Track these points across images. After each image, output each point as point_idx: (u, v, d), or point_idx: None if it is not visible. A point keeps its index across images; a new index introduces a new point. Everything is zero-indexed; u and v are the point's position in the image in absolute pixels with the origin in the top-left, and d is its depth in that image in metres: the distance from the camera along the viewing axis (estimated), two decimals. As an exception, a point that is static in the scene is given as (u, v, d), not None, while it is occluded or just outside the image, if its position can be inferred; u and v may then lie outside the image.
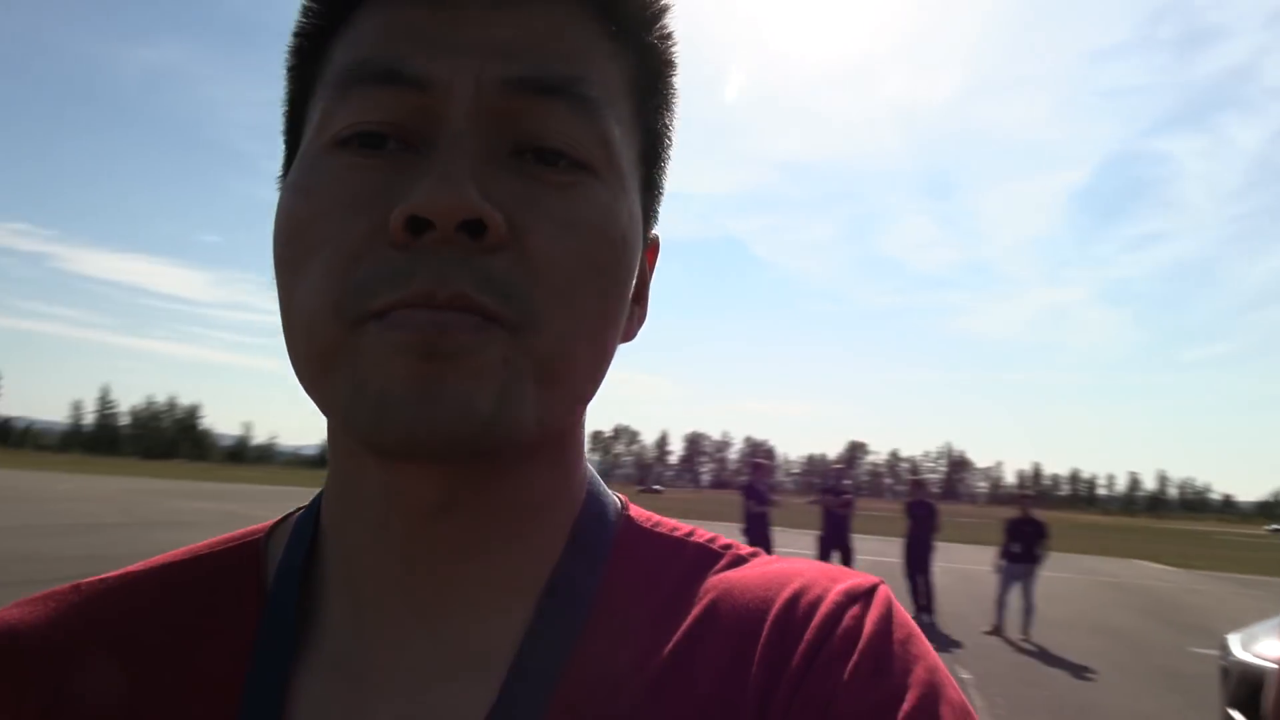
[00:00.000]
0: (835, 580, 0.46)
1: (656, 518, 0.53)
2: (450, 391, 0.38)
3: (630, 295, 0.46)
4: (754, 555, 0.50)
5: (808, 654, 0.43)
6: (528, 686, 0.44)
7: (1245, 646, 4.78)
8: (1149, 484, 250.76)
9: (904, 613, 0.46)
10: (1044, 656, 8.98)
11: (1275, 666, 4.22)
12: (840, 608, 0.45)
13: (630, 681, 0.44)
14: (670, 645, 0.45)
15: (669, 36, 0.48)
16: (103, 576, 0.52)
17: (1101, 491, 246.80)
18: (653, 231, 0.51)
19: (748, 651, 0.44)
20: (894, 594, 0.48)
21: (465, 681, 0.45)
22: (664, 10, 0.48)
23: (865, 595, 0.46)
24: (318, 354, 0.40)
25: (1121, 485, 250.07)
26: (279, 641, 0.46)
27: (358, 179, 0.41)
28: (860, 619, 0.44)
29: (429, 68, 0.41)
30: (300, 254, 0.41)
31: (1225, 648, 5.09)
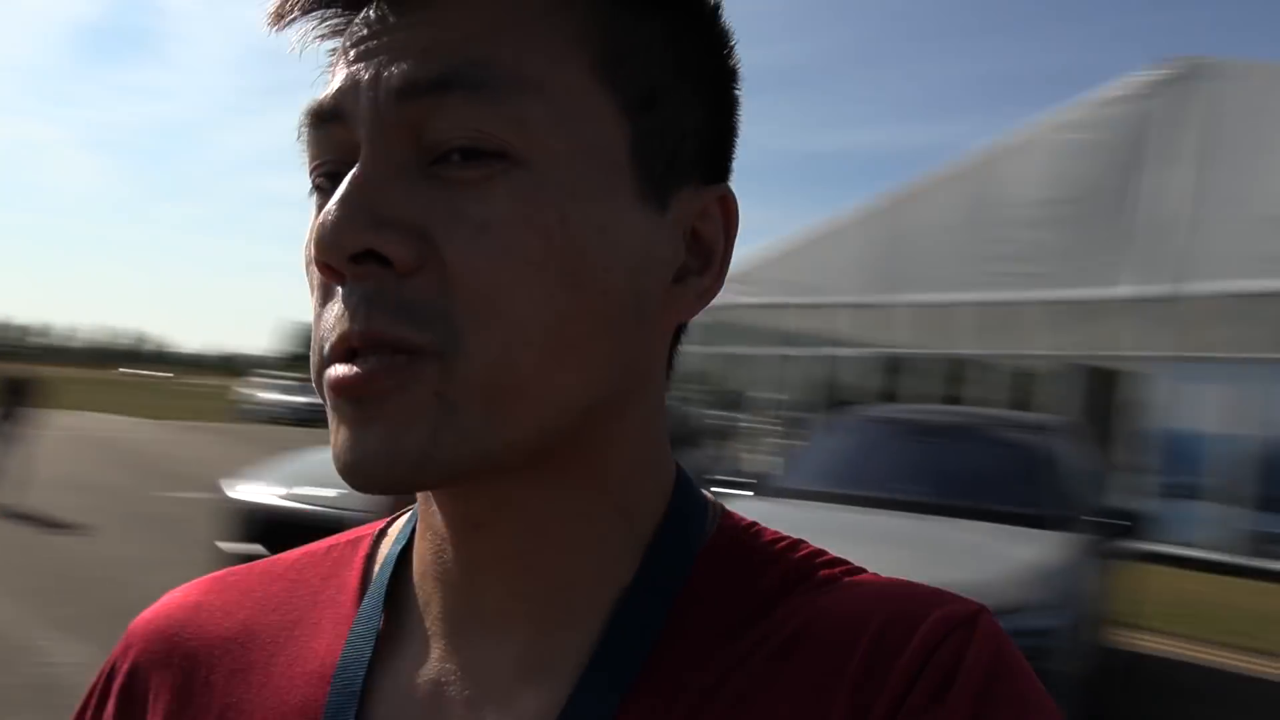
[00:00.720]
0: (934, 606, 0.43)
1: (758, 527, 0.50)
2: (371, 441, 0.38)
3: (610, 276, 0.41)
4: (854, 573, 0.47)
5: (894, 694, 0.40)
6: (591, 703, 0.42)
7: (239, 488, 5.81)
8: (110, 336, 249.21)
9: (1012, 647, 0.42)
10: (35, 519, 8.85)
11: (265, 502, 5.36)
12: (935, 640, 0.41)
13: (698, 706, 0.42)
14: (746, 670, 0.43)
15: None
16: (250, 565, 0.55)
17: (65, 342, 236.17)
18: (717, 185, 0.46)
19: (830, 685, 0.41)
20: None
21: (530, 695, 0.44)
22: None
23: (966, 624, 0.42)
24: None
25: (89, 336, 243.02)
26: (365, 638, 0.47)
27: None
28: (959, 654, 0.41)
29: (339, 98, 0.40)
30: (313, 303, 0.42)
31: (219, 489, 6.07)
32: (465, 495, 0.44)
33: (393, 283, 0.38)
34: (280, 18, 0.42)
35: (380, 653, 0.47)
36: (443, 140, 0.38)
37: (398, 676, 0.46)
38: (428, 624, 0.47)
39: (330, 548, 0.54)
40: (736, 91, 0.47)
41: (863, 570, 0.47)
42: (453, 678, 0.45)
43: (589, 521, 0.45)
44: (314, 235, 0.38)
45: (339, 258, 0.37)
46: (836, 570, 0.47)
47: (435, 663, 0.46)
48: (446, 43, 0.39)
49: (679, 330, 0.49)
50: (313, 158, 0.42)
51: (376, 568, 0.50)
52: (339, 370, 0.38)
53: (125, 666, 0.52)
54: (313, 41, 0.43)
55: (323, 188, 0.41)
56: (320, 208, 0.41)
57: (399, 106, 0.39)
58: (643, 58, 0.43)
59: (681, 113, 0.44)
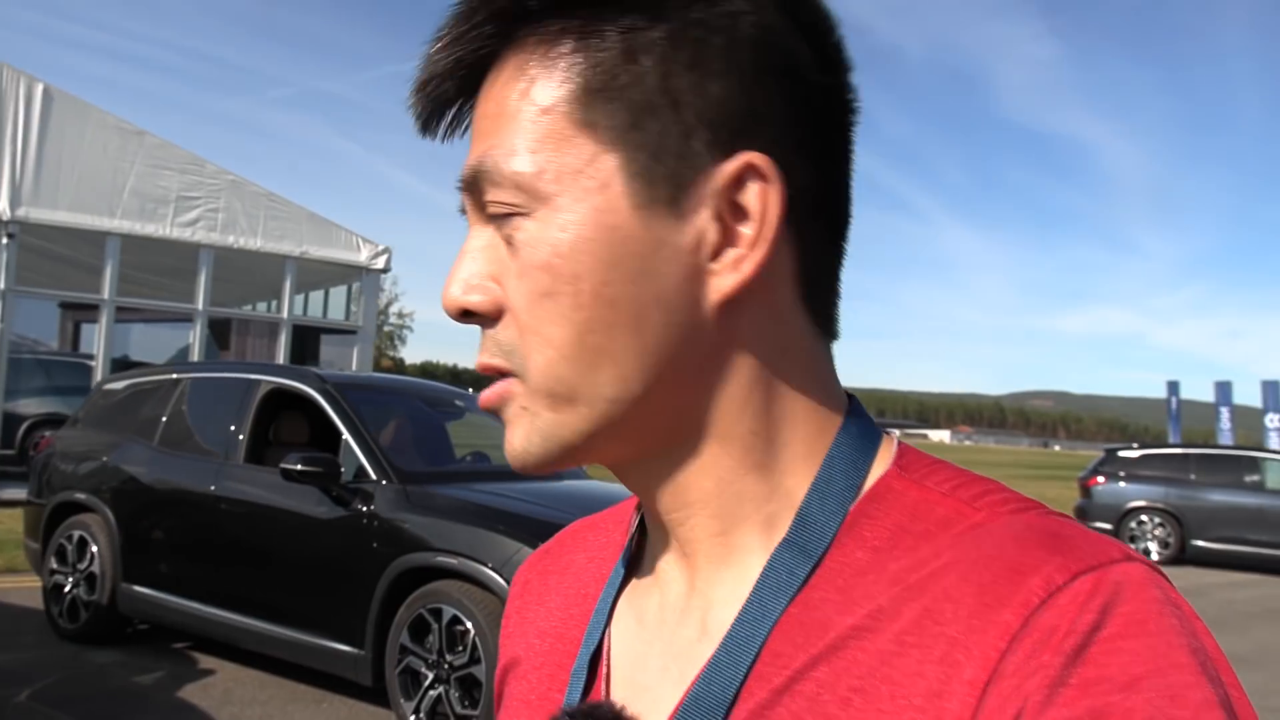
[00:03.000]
0: (1055, 556, 0.42)
1: (934, 465, 0.50)
2: (508, 438, 0.51)
3: (622, 284, 0.46)
4: (1021, 512, 0.46)
5: (995, 649, 0.40)
6: (740, 644, 0.47)
7: None
8: None
9: (1143, 603, 0.40)
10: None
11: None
12: (1037, 598, 0.40)
13: (839, 645, 0.44)
14: (887, 612, 0.44)
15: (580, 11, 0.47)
16: (595, 515, 0.68)
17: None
18: (732, 161, 0.47)
19: (948, 632, 0.41)
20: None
21: (705, 631, 0.50)
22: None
23: (1079, 578, 0.40)
24: None
25: None
26: (617, 575, 0.58)
27: None
28: (1062, 612, 0.40)
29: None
30: None
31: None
32: (619, 472, 0.54)
33: (489, 325, 0.50)
34: (424, 129, 0.54)
35: (628, 575, 0.58)
36: (488, 209, 0.50)
37: (630, 593, 0.58)
38: (646, 559, 0.58)
39: (627, 502, 0.64)
40: (764, 57, 0.47)
41: (1035, 508, 0.46)
42: (653, 602, 0.55)
43: (722, 477, 0.50)
44: (441, 298, 0.51)
45: (454, 317, 0.51)
46: (1000, 509, 0.46)
47: (645, 588, 0.57)
48: (476, 145, 0.50)
49: (824, 287, 0.52)
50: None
51: (635, 518, 0.61)
52: (484, 391, 0.52)
53: (522, 569, 0.70)
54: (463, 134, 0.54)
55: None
56: None
57: (469, 197, 0.51)
58: (620, 86, 0.47)
59: (678, 110, 0.47)
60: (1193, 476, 12.92)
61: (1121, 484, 13.32)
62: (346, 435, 5.10)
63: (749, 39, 0.47)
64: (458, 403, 6.15)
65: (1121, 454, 13.82)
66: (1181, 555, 12.60)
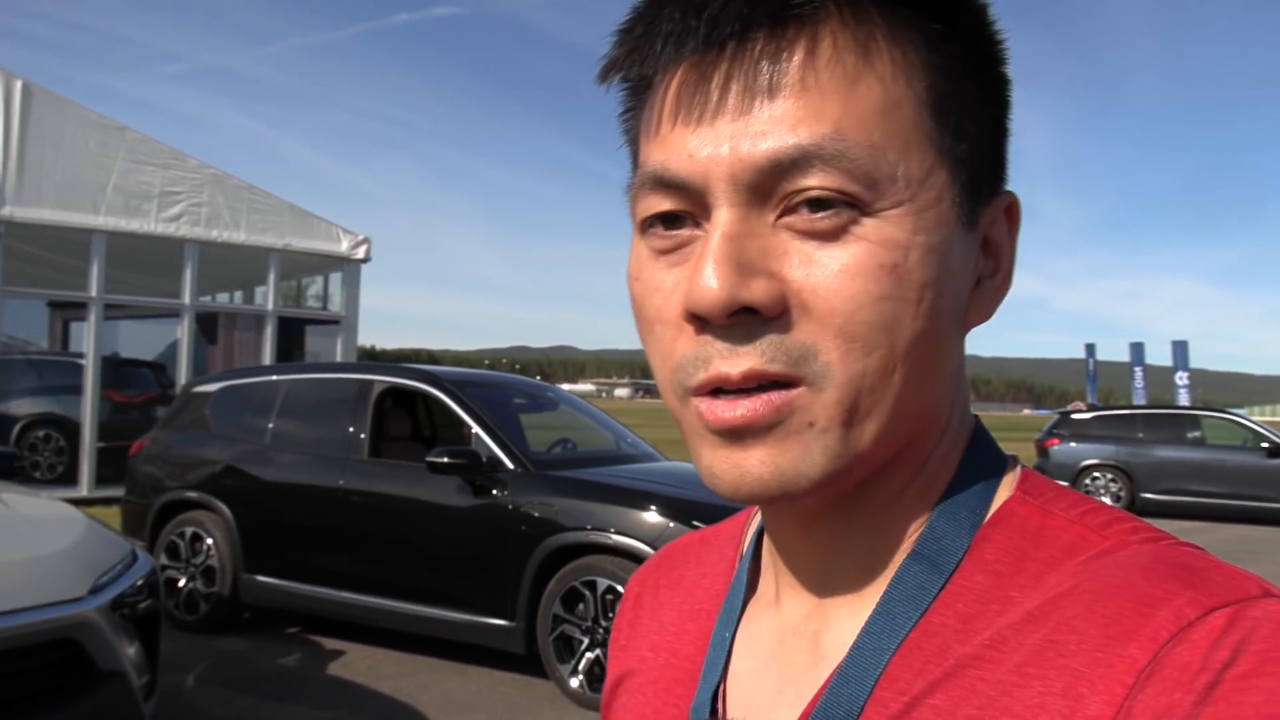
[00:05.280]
0: (1188, 590, 0.40)
1: (1058, 491, 0.49)
2: (752, 463, 0.44)
3: (944, 298, 0.45)
4: (1151, 542, 0.44)
5: (1122, 684, 0.38)
6: (864, 659, 0.46)
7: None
8: None
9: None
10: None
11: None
12: (1166, 634, 0.39)
13: (956, 672, 0.44)
14: (1007, 640, 0.43)
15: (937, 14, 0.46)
16: (705, 530, 0.68)
17: None
18: (1002, 194, 0.50)
19: (1088, 671, 0.40)
20: None
21: (820, 654, 0.50)
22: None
23: (1212, 615, 0.39)
24: (671, 411, 0.48)
25: None
26: (737, 590, 0.57)
27: (663, 265, 0.47)
28: (1194, 649, 0.38)
29: (685, 172, 0.45)
30: (644, 324, 0.48)
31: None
32: (789, 512, 0.51)
33: (762, 326, 0.43)
34: (613, 69, 0.48)
35: (748, 601, 0.57)
36: (796, 201, 0.43)
37: (747, 614, 0.56)
38: (764, 582, 0.56)
39: (741, 515, 0.64)
40: (1009, 95, 0.50)
41: (1165, 538, 0.45)
42: (771, 624, 0.54)
43: (896, 509, 0.49)
44: (692, 293, 0.43)
45: (718, 315, 0.43)
46: (1129, 538, 0.45)
47: (761, 609, 0.55)
48: (803, 122, 0.43)
49: None
50: (648, 206, 0.47)
51: (748, 538, 0.61)
52: (722, 405, 0.44)
53: (634, 581, 0.70)
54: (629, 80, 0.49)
55: (661, 228, 0.47)
56: (653, 249, 0.47)
57: (759, 178, 0.43)
58: (959, 100, 0.47)
59: (983, 137, 0.48)
60: (1140, 435, 14.10)
61: (1075, 444, 14.46)
62: (476, 429, 5.57)
63: (1007, 78, 0.50)
64: (549, 395, 6.67)
65: (1074, 416, 15.00)
66: (1132, 507, 13.70)
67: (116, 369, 13.76)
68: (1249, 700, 0.36)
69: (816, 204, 0.44)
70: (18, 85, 12.13)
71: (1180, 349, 27.30)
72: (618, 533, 4.93)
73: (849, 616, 0.50)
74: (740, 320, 0.44)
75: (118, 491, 7.49)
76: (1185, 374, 27.22)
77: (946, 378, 0.49)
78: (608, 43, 0.49)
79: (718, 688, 0.54)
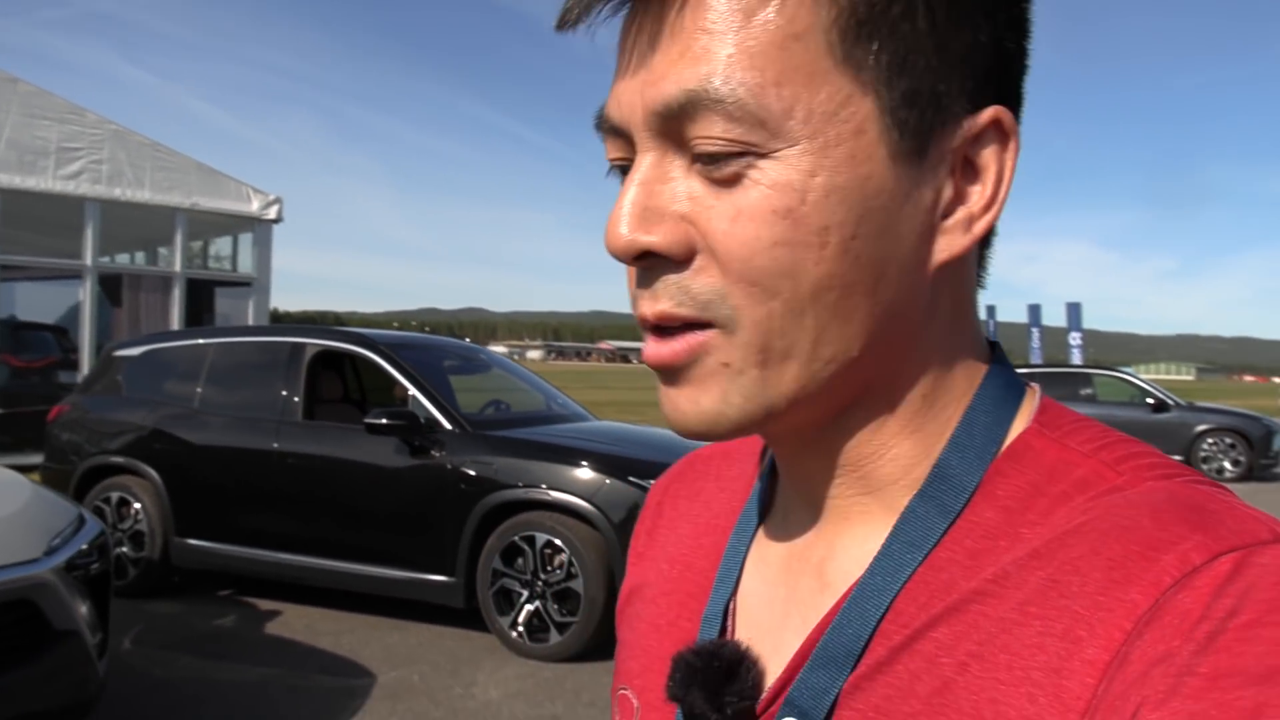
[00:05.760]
0: (1195, 533, 0.39)
1: (1077, 424, 0.48)
2: (682, 403, 0.47)
3: (859, 239, 0.44)
4: (1166, 477, 0.44)
5: (1143, 635, 0.37)
6: (873, 592, 0.46)
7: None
8: None
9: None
10: None
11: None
12: (1170, 579, 0.38)
13: (960, 607, 0.44)
14: (1011, 576, 0.43)
15: None
16: (726, 443, 0.66)
17: None
18: (982, 114, 0.45)
19: (1087, 614, 0.39)
20: None
21: (826, 583, 0.50)
22: None
23: (1218, 559, 0.38)
24: None
25: None
26: (750, 522, 0.58)
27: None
28: (1197, 595, 0.37)
29: (616, 115, 0.47)
30: None
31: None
32: (770, 439, 0.53)
33: (673, 269, 0.45)
34: (565, 23, 0.46)
35: (762, 518, 0.58)
36: (696, 146, 0.44)
37: (759, 537, 0.57)
38: (776, 509, 0.57)
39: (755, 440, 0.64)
40: (1021, 9, 0.47)
41: (1184, 474, 0.44)
42: (780, 549, 0.54)
43: (884, 442, 0.49)
44: (605, 237, 0.45)
45: (626, 257, 0.46)
46: (1146, 474, 0.44)
47: (773, 533, 0.56)
48: (692, 68, 0.43)
49: (985, 242, 0.50)
50: (608, 152, 0.49)
51: (768, 455, 0.60)
52: (650, 346, 0.47)
53: (656, 489, 0.71)
54: (601, 26, 0.47)
55: (621, 173, 0.49)
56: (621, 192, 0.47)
57: (661, 123, 0.44)
58: (891, 20, 0.43)
59: (941, 54, 0.44)
60: (1037, 392, 14.80)
61: (976, 402, 15.08)
62: (413, 390, 5.65)
63: None
64: (482, 357, 6.77)
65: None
66: (1029, 460, 14.45)
67: (14, 332, 13.24)
68: (1251, 650, 0.35)
69: (709, 157, 0.44)
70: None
71: (1074, 310, 28.47)
72: (554, 489, 5.10)
73: (854, 545, 0.50)
74: (654, 264, 0.46)
75: (19, 459, 7.32)
76: (1079, 334, 28.40)
77: (900, 319, 0.47)
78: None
79: (728, 604, 0.55)
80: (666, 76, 0.44)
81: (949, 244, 0.47)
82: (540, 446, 5.35)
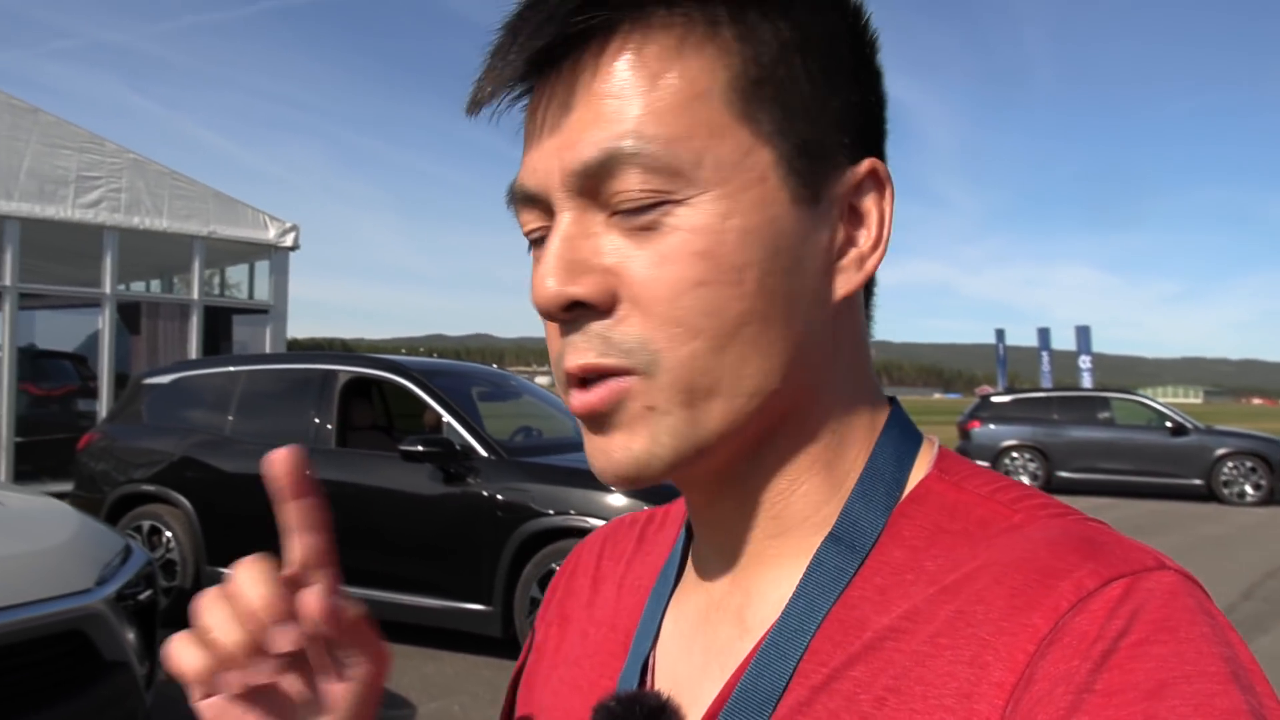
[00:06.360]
0: (1086, 562, 0.42)
1: (973, 470, 0.51)
2: (614, 450, 0.48)
3: (773, 276, 0.47)
4: (1059, 517, 0.47)
5: (1024, 653, 0.40)
6: (789, 633, 0.48)
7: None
8: None
9: (1172, 612, 0.39)
10: None
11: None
12: (1065, 605, 0.41)
13: (875, 644, 0.45)
14: (920, 613, 0.45)
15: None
16: (655, 509, 0.68)
17: None
18: (861, 165, 0.50)
19: (993, 640, 0.42)
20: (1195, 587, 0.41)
21: (745, 629, 0.51)
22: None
23: (1109, 586, 0.41)
24: None
25: None
26: (670, 567, 0.59)
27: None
28: (1093, 619, 0.40)
29: (533, 182, 0.49)
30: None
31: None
32: (687, 484, 0.53)
33: (597, 320, 0.47)
34: (477, 106, 0.50)
35: (679, 579, 0.59)
36: (615, 201, 0.46)
37: (678, 592, 0.58)
38: (694, 563, 0.58)
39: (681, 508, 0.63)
40: (876, 64, 0.52)
41: (1072, 514, 0.47)
42: (699, 600, 0.55)
43: (795, 477, 0.51)
44: (533, 293, 0.48)
45: (553, 311, 0.47)
46: (1039, 513, 0.47)
47: (691, 587, 0.57)
48: (606, 129, 0.46)
49: (869, 292, 0.55)
50: (523, 224, 0.51)
51: (685, 521, 0.61)
52: (575, 397, 0.49)
53: (577, 551, 0.71)
54: (505, 111, 0.50)
55: (537, 245, 0.51)
56: (537, 261, 0.49)
57: (580, 182, 0.47)
58: (779, 81, 0.47)
59: (823, 111, 0.49)
60: (1055, 416, 14.80)
61: (995, 426, 15.09)
62: (447, 417, 5.63)
63: (867, 48, 0.51)
64: (512, 384, 6.74)
65: (994, 400, 15.69)
66: (1049, 485, 14.41)
67: (34, 361, 13.28)
68: (1141, 667, 0.38)
69: (630, 210, 0.46)
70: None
71: (1083, 334, 28.42)
72: (590, 515, 5.07)
73: (771, 590, 0.51)
74: (578, 315, 0.48)
75: (41, 487, 7.28)
76: (1088, 358, 28.33)
77: (810, 352, 0.49)
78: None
79: (647, 657, 0.56)
80: (582, 139, 0.47)
81: (846, 281, 0.50)
82: (574, 473, 5.31)
